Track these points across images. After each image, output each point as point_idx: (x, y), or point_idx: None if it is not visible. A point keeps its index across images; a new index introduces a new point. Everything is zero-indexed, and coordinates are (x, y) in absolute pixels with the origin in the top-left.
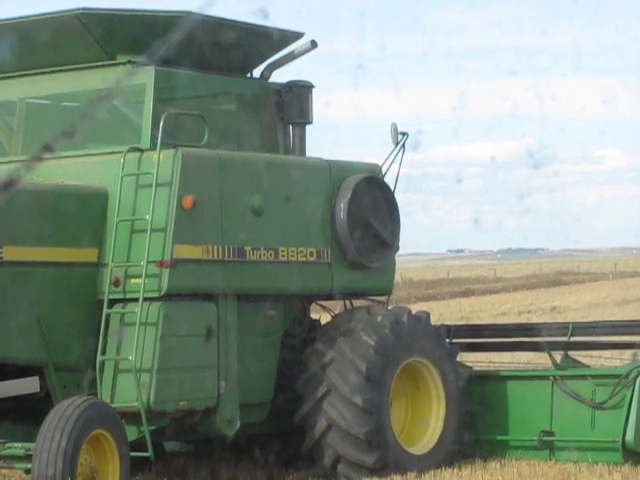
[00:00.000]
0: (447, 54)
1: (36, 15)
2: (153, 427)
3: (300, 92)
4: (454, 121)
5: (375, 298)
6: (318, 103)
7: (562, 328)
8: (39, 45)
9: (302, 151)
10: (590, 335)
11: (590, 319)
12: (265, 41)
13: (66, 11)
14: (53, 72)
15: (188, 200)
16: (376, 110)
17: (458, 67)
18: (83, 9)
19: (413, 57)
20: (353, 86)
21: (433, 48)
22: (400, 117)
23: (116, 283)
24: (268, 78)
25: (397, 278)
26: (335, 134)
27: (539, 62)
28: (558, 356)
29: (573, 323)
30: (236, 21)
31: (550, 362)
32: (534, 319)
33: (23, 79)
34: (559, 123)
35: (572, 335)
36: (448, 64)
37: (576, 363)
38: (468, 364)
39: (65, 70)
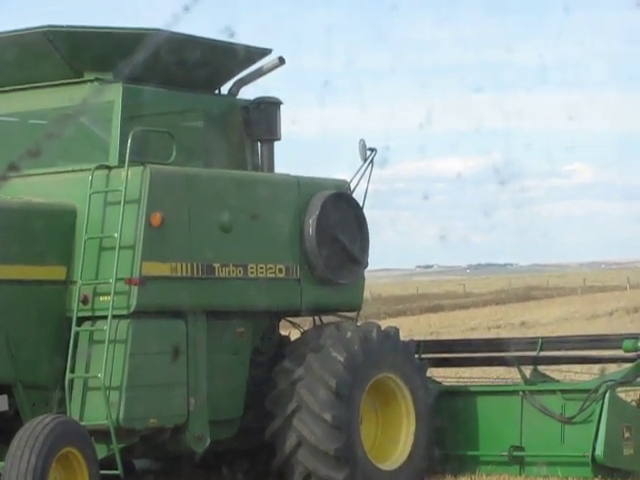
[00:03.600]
0: (414, 70)
1: (3, 33)
2: (123, 445)
3: (268, 109)
4: (421, 137)
5: (344, 314)
6: (285, 120)
7: (531, 343)
8: (6, 63)
9: (270, 167)
10: (559, 350)
11: (559, 334)
12: (233, 58)
13: (33, 29)
14: (20, 90)
15: (156, 217)
16: (343, 126)
17: (425, 83)
18: (50, 27)
19: (380, 73)
20: (319, 103)
21: (400, 64)
22: (367, 133)
23: (85, 301)
24: (236, 95)
25: (366, 294)
26: (303, 151)
27: (505, 78)
28: (528, 371)
29: (542, 338)
30: (203, 38)
31: (519, 377)
32: (503, 334)
33: None
34: (526, 138)
35: (541, 350)
36: (415, 80)
37: (545, 378)
38: (437, 379)
39: (32, 88)
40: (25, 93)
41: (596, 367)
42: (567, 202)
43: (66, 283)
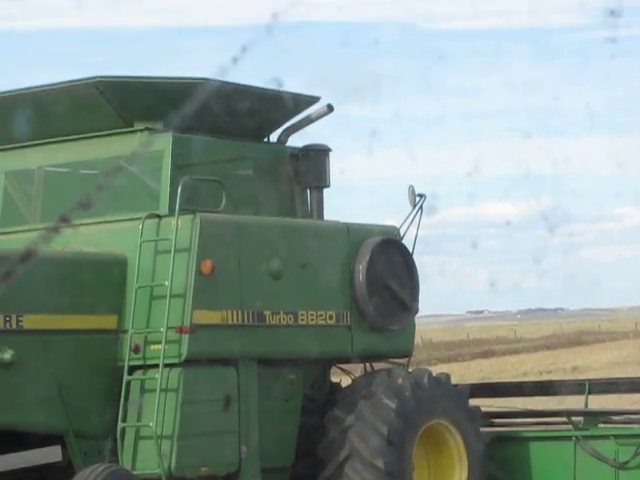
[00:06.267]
0: (461, 117)
1: (53, 84)
2: None
3: (317, 156)
4: (470, 183)
5: (395, 360)
6: (334, 167)
7: (578, 385)
8: (57, 114)
9: (320, 214)
10: (607, 393)
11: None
12: (281, 106)
13: (83, 80)
14: (71, 140)
15: (207, 265)
16: (391, 173)
17: (472, 129)
18: (100, 77)
19: (427, 121)
20: (367, 151)
21: (447, 111)
22: (416, 180)
23: (136, 350)
24: (285, 142)
25: (417, 340)
26: (352, 198)
27: (552, 124)
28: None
29: (589, 380)
30: (252, 87)
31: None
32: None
33: (41, 147)
34: (575, 184)
35: (589, 393)
36: (462, 127)
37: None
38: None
39: (83, 138)
40: (76, 143)
41: None
42: (618, 245)
43: (117, 332)
